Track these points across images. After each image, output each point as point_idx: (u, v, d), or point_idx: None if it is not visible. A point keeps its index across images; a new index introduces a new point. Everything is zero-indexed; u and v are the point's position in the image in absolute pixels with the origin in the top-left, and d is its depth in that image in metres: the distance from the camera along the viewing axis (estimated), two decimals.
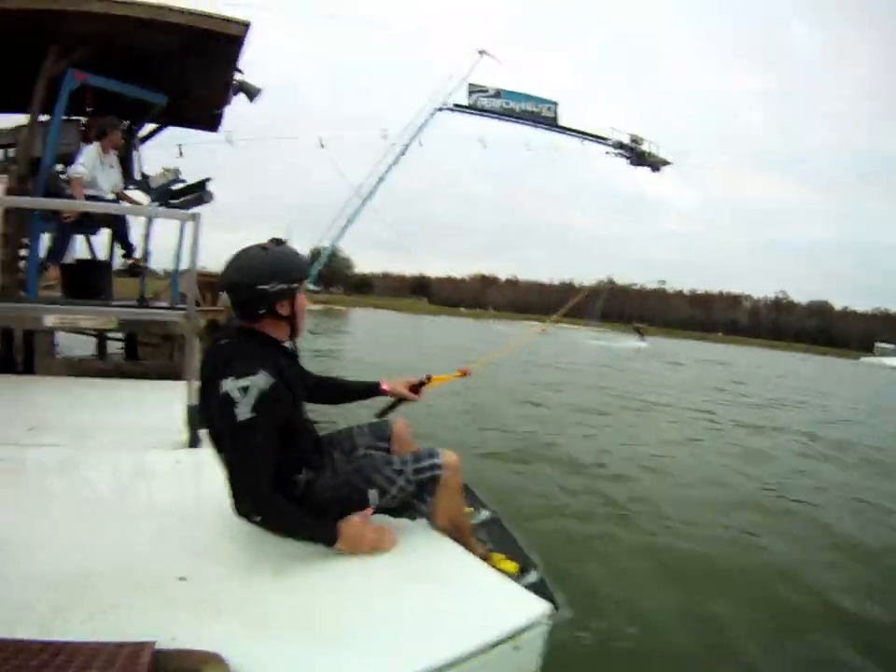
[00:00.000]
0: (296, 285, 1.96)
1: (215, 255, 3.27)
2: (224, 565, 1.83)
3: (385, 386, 2.39)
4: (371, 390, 2.41)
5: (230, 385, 1.78)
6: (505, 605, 1.75)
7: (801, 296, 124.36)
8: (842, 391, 21.83)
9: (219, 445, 1.98)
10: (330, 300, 68.31)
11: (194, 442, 3.04)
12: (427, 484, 2.09)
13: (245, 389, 1.77)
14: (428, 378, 2.46)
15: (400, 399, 2.47)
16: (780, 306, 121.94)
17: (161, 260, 6.63)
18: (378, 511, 2.06)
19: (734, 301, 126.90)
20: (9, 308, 4.26)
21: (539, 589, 2.00)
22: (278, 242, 1.97)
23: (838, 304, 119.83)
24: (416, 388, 2.44)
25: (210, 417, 1.98)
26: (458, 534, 2.17)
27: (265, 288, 1.87)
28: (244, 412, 1.77)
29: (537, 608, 1.72)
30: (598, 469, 6.27)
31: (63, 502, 2.29)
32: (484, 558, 2.13)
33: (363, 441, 2.33)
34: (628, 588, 3.59)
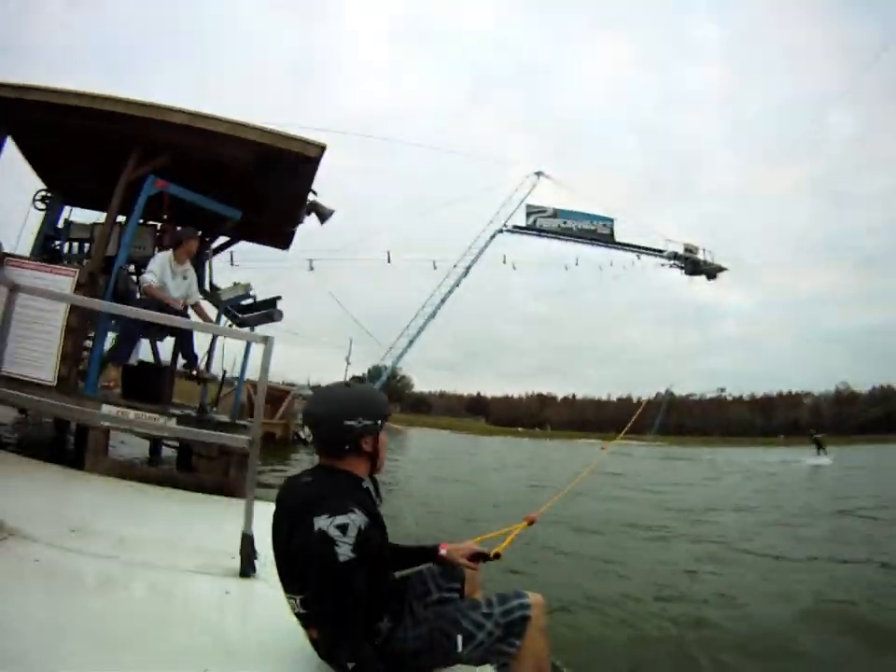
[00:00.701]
0: (380, 422, 1.95)
1: (273, 366, 3.20)
2: None
3: (442, 552, 2.18)
4: (427, 555, 2.21)
5: (325, 523, 1.69)
6: None
7: (864, 386, 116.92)
8: None
9: (293, 588, 1.82)
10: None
11: (247, 572, 2.83)
12: (514, 626, 1.93)
13: (343, 528, 1.69)
14: (497, 556, 2.20)
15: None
16: (842, 399, 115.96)
17: (224, 362, 6.66)
18: (463, 662, 1.93)
19: (793, 400, 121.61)
20: (71, 406, 4.20)
21: None
22: (359, 380, 1.95)
23: None
24: (478, 558, 2.18)
25: (285, 557, 1.84)
26: None
27: (352, 424, 1.87)
28: (345, 552, 1.67)
29: None
30: None
31: (96, 624, 2.06)
32: None
33: (435, 584, 2.18)
34: None
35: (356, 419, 1.86)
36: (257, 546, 2.83)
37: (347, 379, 2.01)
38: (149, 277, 5.25)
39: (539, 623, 1.96)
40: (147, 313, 3.84)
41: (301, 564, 1.74)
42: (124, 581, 2.53)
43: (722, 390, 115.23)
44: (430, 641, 1.88)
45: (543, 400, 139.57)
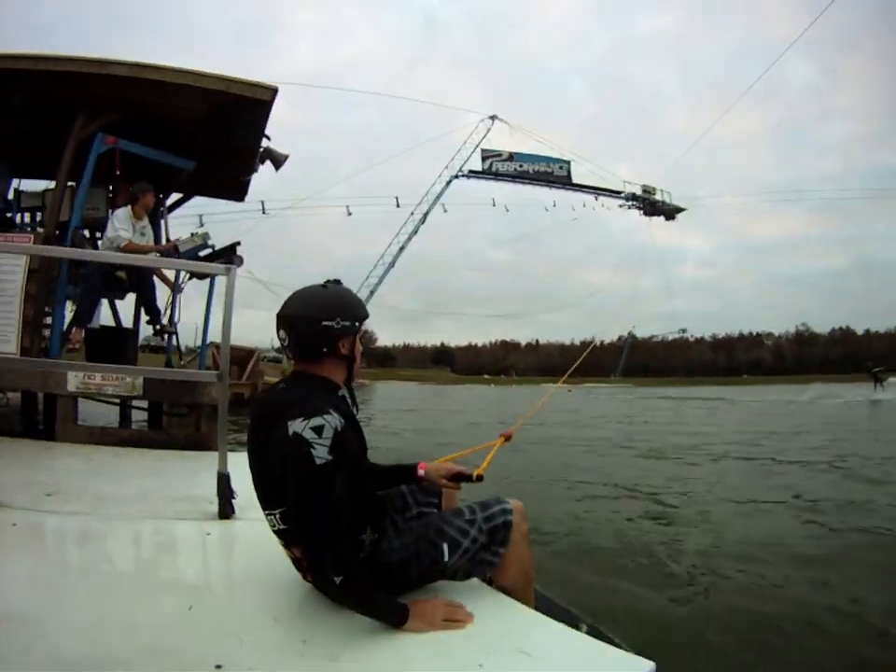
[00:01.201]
0: (358, 324, 1.88)
1: (234, 330, 3.15)
2: (267, 650, 1.56)
3: (421, 472, 2.10)
4: (406, 475, 2.14)
5: (299, 426, 1.62)
6: (605, 669, 1.54)
7: (824, 327, 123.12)
8: None
9: (271, 503, 1.77)
10: None
11: (226, 513, 2.80)
12: (498, 533, 1.92)
13: (319, 429, 1.62)
14: (479, 478, 2.10)
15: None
16: (802, 339, 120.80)
17: (184, 338, 6.58)
18: (447, 574, 1.92)
19: (755, 341, 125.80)
20: (34, 363, 4.14)
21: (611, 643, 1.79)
22: (336, 282, 1.92)
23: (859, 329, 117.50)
24: (459, 479, 2.10)
25: (261, 470, 1.78)
26: (526, 585, 2.03)
27: (330, 325, 1.79)
28: (321, 454, 1.60)
29: (639, 667, 1.52)
30: None
31: (81, 575, 2.07)
32: None
33: (413, 499, 2.15)
34: None
35: (334, 320, 1.79)
36: (234, 489, 2.80)
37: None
38: (124, 234, 5.14)
39: (521, 529, 1.97)
40: (112, 254, 3.75)
41: (278, 472, 1.67)
42: (104, 532, 2.50)
43: (684, 331, 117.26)
44: (416, 550, 1.86)
45: (507, 347, 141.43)
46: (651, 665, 1.51)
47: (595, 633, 2.04)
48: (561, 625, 1.80)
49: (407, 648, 1.59)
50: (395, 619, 1.67)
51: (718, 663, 3.06)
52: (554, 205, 46.74)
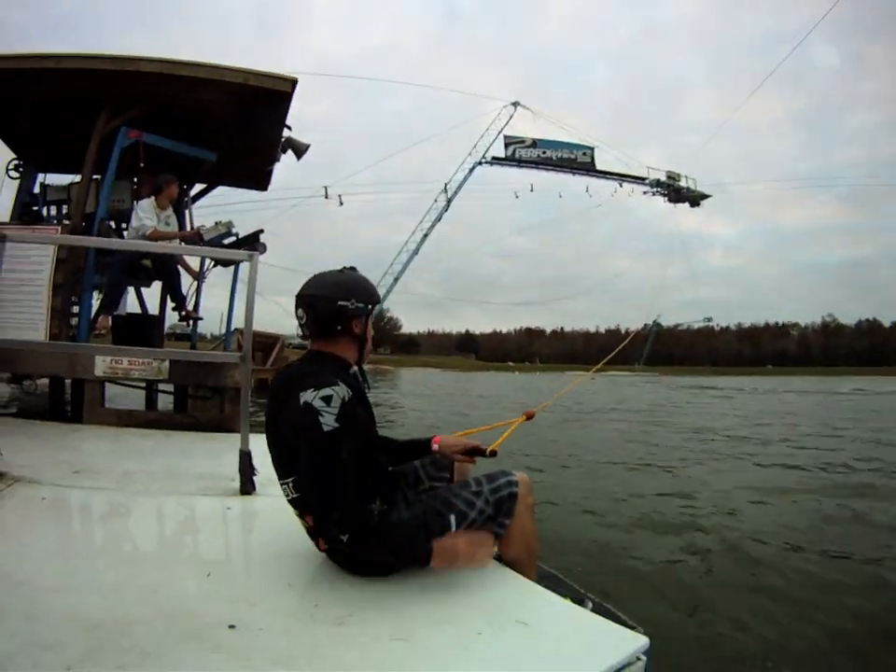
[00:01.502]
0: (371, 306, 2.01)
1: (259, 317, 3.25)
2: (279, 614, 1.64)
3: (435, 447, 2.19)
4: (421, 449, 2.22)
5: (309, 396, 1.75)
6: (600, 641, 1.57)
7: (850, 318, 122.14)
8: None
9: (285, 472, 1.88)
10: (379, 360, 68.84)
11: (247, 490, 2.89)
12: (503, 504, 2.00)
13: (327, 399, 1.75)
14: (493, 453, 2.16)
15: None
16: (829, 331, 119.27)
17: (210, 326, 6.72)
18: None
19: (781, 331, 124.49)
20: (63, 346, 4.28)
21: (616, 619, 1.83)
22: (352, 269, 2.07)
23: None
24: (473, 453, 2.19)
25: (276, 441, 1.91)
26: (529, 557, 2.10)
27: (345, 304, 1.93)
28: (328, 421, 1.73)
29: (634, 642, 1.54)
30: None
31: (104, 544, 2.17)
32: None
33: (425, 473, 2.23)
34: None
35: (349, 300, 1.92)
36: (255, 467, 2.90)
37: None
38: (148, 222, 5.28)
39: (526, 501, 2.04)
40: (136, 243, 3.84)
41: (291, 441, 1.80)
42: (128, 506, 2.59)
43: (709, 320, 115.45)
44: (425, 521, 1.92)
45: (532, 334, 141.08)
46: (644, 640, 1.55)
47: (600, 610, 2.07)
48: (560, 599, 1.86)
49: (411, 615, 1.65)
50: (419, 554, 1.81)
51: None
52: (587, 191, 46.37)
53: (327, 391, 1.76)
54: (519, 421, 2.54)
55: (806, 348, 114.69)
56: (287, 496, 1.89)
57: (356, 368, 2.05)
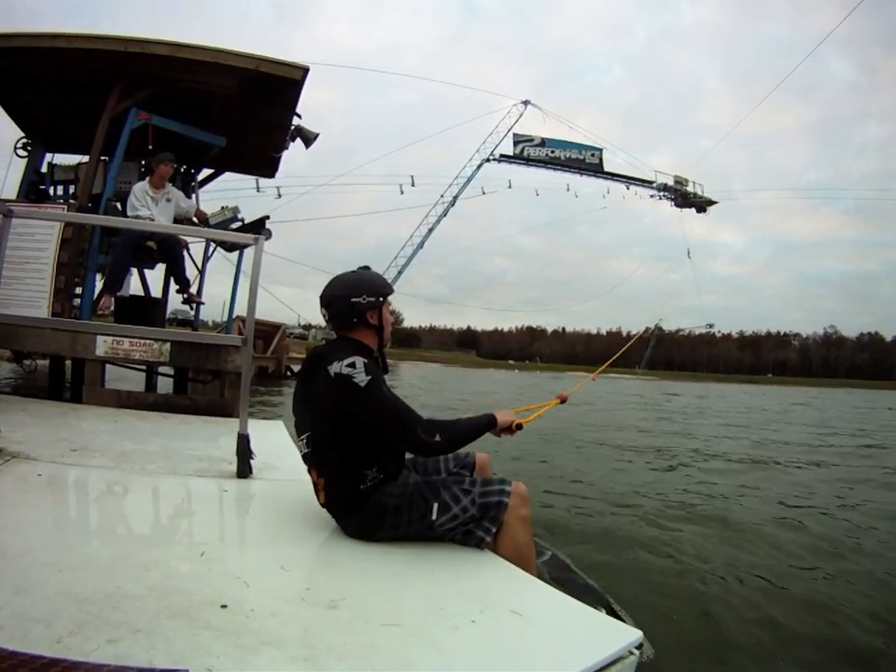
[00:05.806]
0: (382, 298, 2.27)
1: (260, 306, 3.28)
2: (272, 595, 1.63)
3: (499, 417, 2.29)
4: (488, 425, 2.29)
5: (336, 367, 2.04)
6: (592, 634, 1.57)
7: (852, 331, 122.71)
8: None
9: (301, 429, 2.20)
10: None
11: (244, 473, 2.90)
12: (490, 510, 2.09)
13: (352, 364, 2.03)
14: (518, 427, 2.31)
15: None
16: (830, 342, 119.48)
17: (212, 313, 6.73)
18: (438, 535, 2.11)
19: (782, 340, 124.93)
20: (65, 323, 4.30)
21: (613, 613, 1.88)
22: (366, 267, 2.35)
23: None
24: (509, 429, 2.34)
25: (302, 405, 2.22)
26: (522, 567, 2.09)
27: (357, 300, 2.20)
28: (361, 378, 2.01)
29: (627, 636, 1.54)
30: None
31: (99, 521, 2.17)
32: None
33: (446, 466, 2.45)
34: None
35: (360, 296, 2.20)
36: (253, 451, 2.92)
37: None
38: (144, 213, 5.25)
39: (518, 513, 2.11)
40: (142, 223, 3.85)
41: (325, 404, 2.08)
42: (124, 484, 2.61)
43: (711, 326, 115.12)
44: (409, 501, 2.09)
45: (534, 334, 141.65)
46: (638, 633, 1.55)
47: (602, 603, 2.13)
48: (556, 591, 1.86)
49: (404, 601, 1.66)
50: (490, 426, 2.22)
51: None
52: (608, 192, 46.29)
53: (350, 360, 2.03)
54: (553, 403, 2.68)
55: (808, 359, 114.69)
56: (301, 451, 2.20)
57: (377, 353, 2.30)
